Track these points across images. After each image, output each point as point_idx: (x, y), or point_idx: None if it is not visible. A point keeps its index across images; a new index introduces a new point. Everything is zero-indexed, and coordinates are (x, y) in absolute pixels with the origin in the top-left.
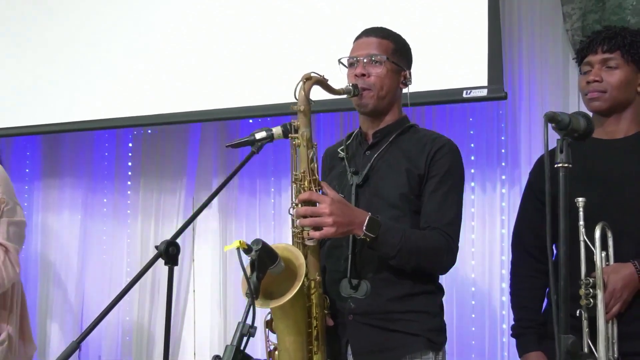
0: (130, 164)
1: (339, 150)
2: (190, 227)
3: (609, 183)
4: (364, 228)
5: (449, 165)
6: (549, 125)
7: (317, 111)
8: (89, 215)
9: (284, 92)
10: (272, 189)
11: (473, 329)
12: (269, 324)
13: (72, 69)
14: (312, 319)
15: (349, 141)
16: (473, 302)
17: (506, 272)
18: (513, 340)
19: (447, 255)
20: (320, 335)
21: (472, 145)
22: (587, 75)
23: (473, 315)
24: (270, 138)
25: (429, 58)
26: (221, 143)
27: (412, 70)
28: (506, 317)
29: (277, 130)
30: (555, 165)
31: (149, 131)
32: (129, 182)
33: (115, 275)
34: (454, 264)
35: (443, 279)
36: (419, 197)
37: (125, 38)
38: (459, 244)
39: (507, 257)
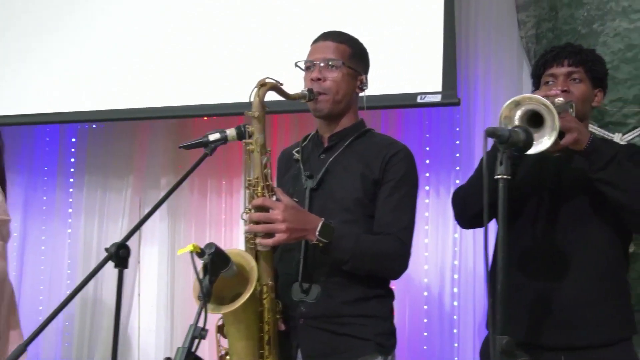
0: (73, 160)
1: (294, 152)
2: None
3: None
4: (317, 234)
5: (404, 171)
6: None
7: (276, 112)
8: (28, 213)
9: (237, 92)
10: (224, 190)
11: (425, 333)
12: (220, 329)
13: (12, 60)
14: (263, 324)
15: (304, 143)
16: (425, 307)
17: (458, 276)
18: (465, 346)
19: (400, 260)
20: (272, 340)
21: (427, 148)
22: (552, 86)
23: (425, 320)
24: (224, 140)
25: (385, 62)
26: (171, 141)
27: (370, 73)
28: (458, 322)
29: (231, 132)
30: (495, 177)
31: (94, 126)
32: (71, 180)
33: (55, 278)
34: (406, 269)
35: (396, 284)
36: (373, 202)
37: (73, 30)
38: (413, 249)
39: (459, 261)
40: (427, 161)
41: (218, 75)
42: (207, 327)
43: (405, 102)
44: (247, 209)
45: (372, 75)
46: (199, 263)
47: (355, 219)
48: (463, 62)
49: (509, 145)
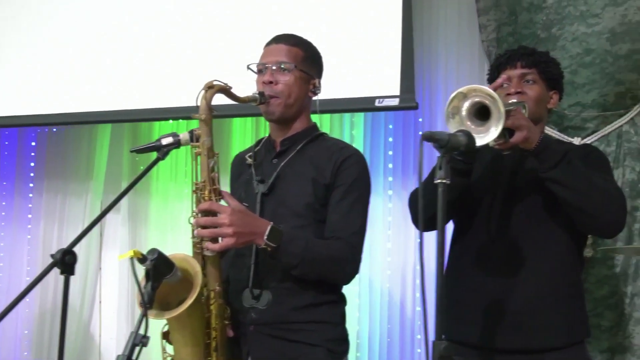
0: (33, 164)
1: (246, 157)
2: (97, 234)
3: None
4: (265, 238)
5: (356, 176)
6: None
7: (232, 115)
8: None
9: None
10: (185, 194)
11: (388, 339)
12: (165, 335)
13: None
14: (211, 330)
15: (257, 148)
16: (387, 313)
17: (420, 281)
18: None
19: (350, 265)
20: (220, 346)
21: (390, 152)
22: (508, 88)
23: (388, 326)
24: (176, 144)
25: (344, 66)
26: (132, 144)
27: (326, 77)
28: (420, 328)
29: (184, 136)
30: (435, 181)
31: (55, 130)
32: (31, 184)
33: (14, 284)
34: (356, 274)
35: (358, 289)
36: (324, 207)
37: (31, 34)
38: (375, 254)
39: (421, 266)
40: (390, 165)
41: (175, 78)
42: (152, 334)
43: (364, 105)
44: (194, 214)
45: (330, 79)
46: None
47: (306, 224)
48: (425, 66)
49: (448, 149)
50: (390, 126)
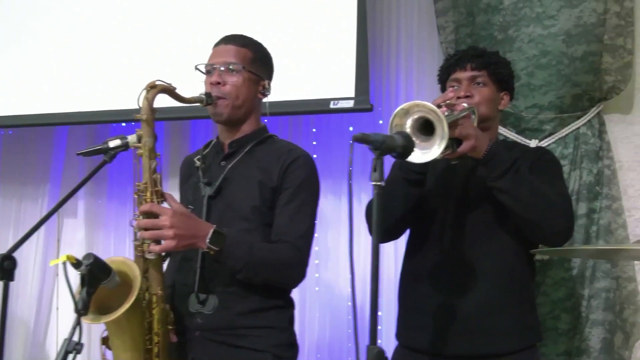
0: None
1: (195, 159)
2: (55, 238)
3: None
4: (207, 241)
5: (303, 178)
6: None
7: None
8: None
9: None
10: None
11: (350, 344)
12: (105, 341)
13: None
14: (152, 335)
15: (206, 150)
16: (349, 317)
17: (385, 287)
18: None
19: (296, 269)
20: (162, 352)
21: (351, 155)
22: (457, 90)
23: (350, 331)
24: (125, 147)
25: (298, 68)
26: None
27: (281, 79)
28: (383, 333)
29: (132, 138)
30: (372, 183)
31: (10, 132)
32: None
33: None
34: (303, 279)
35: (318, 294)
36: (271, 210)
37: None
38: (337, 257)
39: (385, 271)
40: (350, 168)
41: (132, 80)
42: (92, 340)
43: (318, 108)
44: (135, 216)
45: (285, 81)
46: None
47: (253, 227)
48: (385, 68)
49: (384, 151)
50: (351, 128)
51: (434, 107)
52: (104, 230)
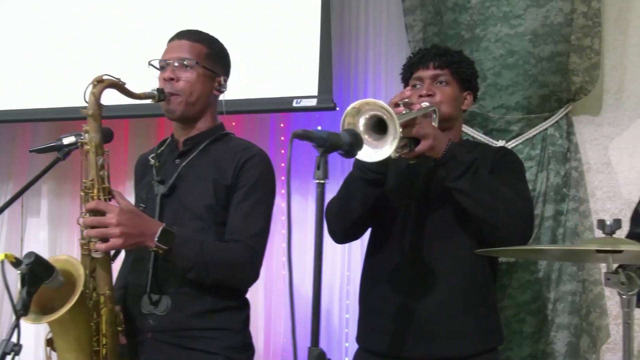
0: None
1: (150, 157)
2: (18, 237)
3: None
4: (156, 239)
5: (258, 177)
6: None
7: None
8: None
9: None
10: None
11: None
12: (50, 342)
13: None
14: (100, 336)
15: (161, 148)
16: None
17: (350, 288)
18: None
19: (249, 269)
20: (110, 354)
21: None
22: (419, 89)
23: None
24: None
25: (261, 66)
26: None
27: (243, 77)
28: (349, 335)
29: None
30: (315, 181)
31: None
32: None
33: None
34: (256, 279)
35: (283, 296)
36: (225, 209)
37: None
38: (303, 259)
39: (351, 273)
40: (282, 164)
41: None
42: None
43: (281, 106)
44: (82, 214)
45: (247, 79)
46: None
47: (206, 226)
48: (353, 66)
49: (328, 149)
50: (319, 127)
51: (385, 105)
52: (68, 229)
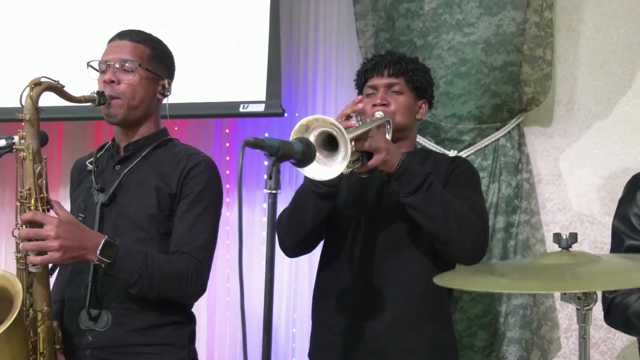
0: None
1: (87, 162)
2: None
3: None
4: (98, 253)
5: (204, 185)
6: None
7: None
8: None
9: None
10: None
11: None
12: None
13: None
14: (37, 356)
15: (100, 153)
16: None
17: (297, 302)
18: None
19: (194, 282)
20: None
21: (266, 163)
22: (373, 98)
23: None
24: (9, 148)
25: (208, 69)
26: None
27: (189, 80)
28: (296, 350)
29: (18, 139)
30: (265, 191)
31: None
32: None
33: None
34: (203, 292)
35: (230, 310)
36: (169, 218)
37: None
38: (249, 267)
39: (299, 285)
40: (266, 176)
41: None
42: None
43: (228, 111)
44: (18, 225)
45: (197, 83)
46: None
47: (149, 237)
48: (302, 72)
49: (280, 157)
50: (267, 134)
51: (335, 122)
52: (5, 241)
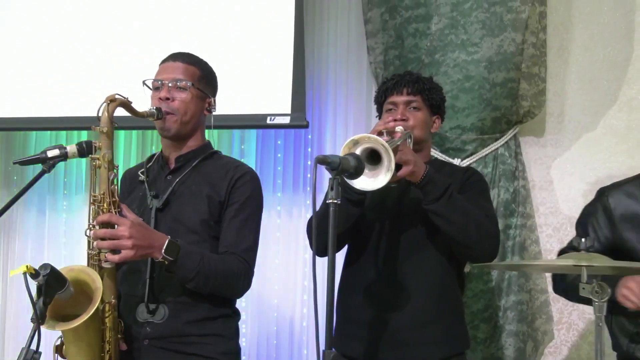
0: None
1: (139, 172)
2: None
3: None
4: (163, 251)
5: (250, 193)
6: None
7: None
8: None
9: (77, 105)
10: (64, 207)
11: (274, 355)
12: (58, 349)
13: None
14: (105, 343)
15: (149, 164)
16: (275, 328)
17: (307, 297)
18: None
19: (243, 279)
20: None
21: (279, 168)
22: (394, 113)
23: (275, 342)
24: (64, 157)
25: (238, 83)
26: (5, 155)
27: (220, 93)
28: (307, 343)
29: (71, 148)
30: (327, 202)
31: None
32: None
33: None
34: (249, 289)
35: (247, 304)
36: (218, 223)
37: None
38: (264, 269)
39: (308, 282)
40: (280, 181)
41: (56, 87)
42: (42, 350)
43: (256, 122)
44: (91, 226)
45: (224, 95)
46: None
47: (201, 240)
48: (315, 85)
49: (340, 172)
50: (280, 142)
51: (383, 141)
52: (22, 239)
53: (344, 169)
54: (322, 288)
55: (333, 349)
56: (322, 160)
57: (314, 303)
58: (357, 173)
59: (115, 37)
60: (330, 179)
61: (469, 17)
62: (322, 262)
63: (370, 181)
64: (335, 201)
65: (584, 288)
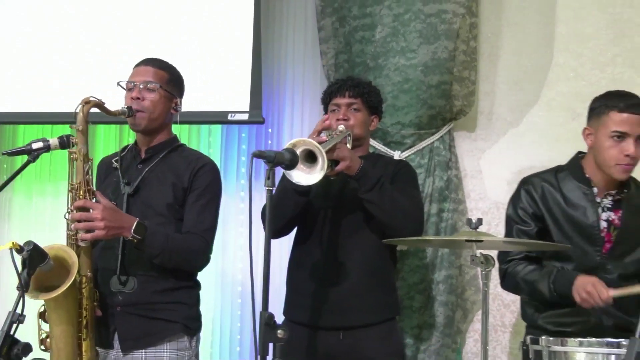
0: None
1: (113, 161)
2: None
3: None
4: (132, 231)
5: (209, 182)
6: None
7: (100, 123)
8: None
9: (62, 101)
10: (50, 192)
11: (239, 324)
12: (42, 315)
13: None
14: (82, 310)
15: (123, 154)
16: (239, 300)
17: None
18: None
19: (202, 256)
20: (90, 324)
21: (243, 158)
22: (337, 114)
23: (239, 312)
24: (47, 149)
25: (201, 83)
26: None
27: (186, 92)
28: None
29: (54, 141)
30: (266, 188)
31: None
32: None
33: None
34: (207, 264)
35: (213, 279)
36: (182, 207)
37: None
38: (228, 249)
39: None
40: (243, 170)
41: (48, 85)
42: (27, 314)
43: (218, 119)
44: (69, 210)
45: (190, 94)
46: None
47: (167, 221)
48: (275, 85)
49: (274, 164)
50: (244, 135)
51: (316, 144)
52: (9, 222)
53: (278, 162)
54: (277, 264)
55: (269, 312)
56: (259, 155)
57: (250, 274)
58: (292, 165)
59: (92, 40)
60: (266, 170)
61: (408, 26)
62: (274, 243)
63: (307, 176)
64: (271, 188)
65: (473, 260)
